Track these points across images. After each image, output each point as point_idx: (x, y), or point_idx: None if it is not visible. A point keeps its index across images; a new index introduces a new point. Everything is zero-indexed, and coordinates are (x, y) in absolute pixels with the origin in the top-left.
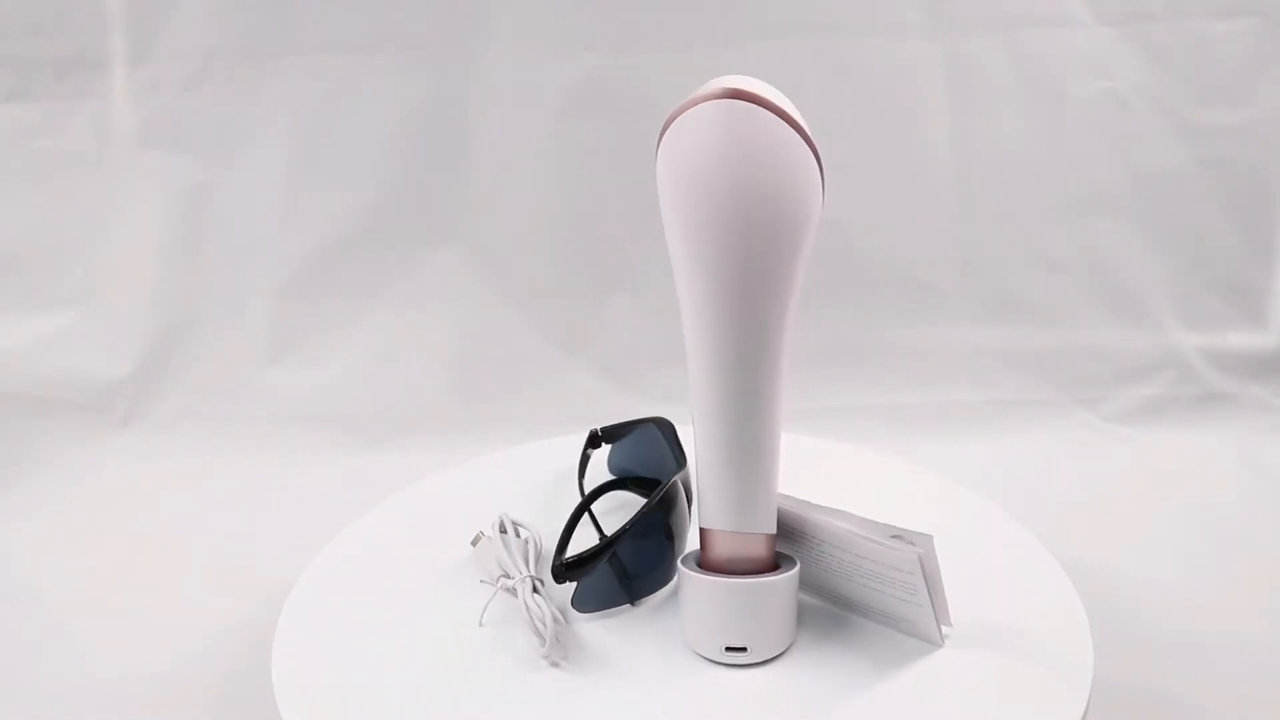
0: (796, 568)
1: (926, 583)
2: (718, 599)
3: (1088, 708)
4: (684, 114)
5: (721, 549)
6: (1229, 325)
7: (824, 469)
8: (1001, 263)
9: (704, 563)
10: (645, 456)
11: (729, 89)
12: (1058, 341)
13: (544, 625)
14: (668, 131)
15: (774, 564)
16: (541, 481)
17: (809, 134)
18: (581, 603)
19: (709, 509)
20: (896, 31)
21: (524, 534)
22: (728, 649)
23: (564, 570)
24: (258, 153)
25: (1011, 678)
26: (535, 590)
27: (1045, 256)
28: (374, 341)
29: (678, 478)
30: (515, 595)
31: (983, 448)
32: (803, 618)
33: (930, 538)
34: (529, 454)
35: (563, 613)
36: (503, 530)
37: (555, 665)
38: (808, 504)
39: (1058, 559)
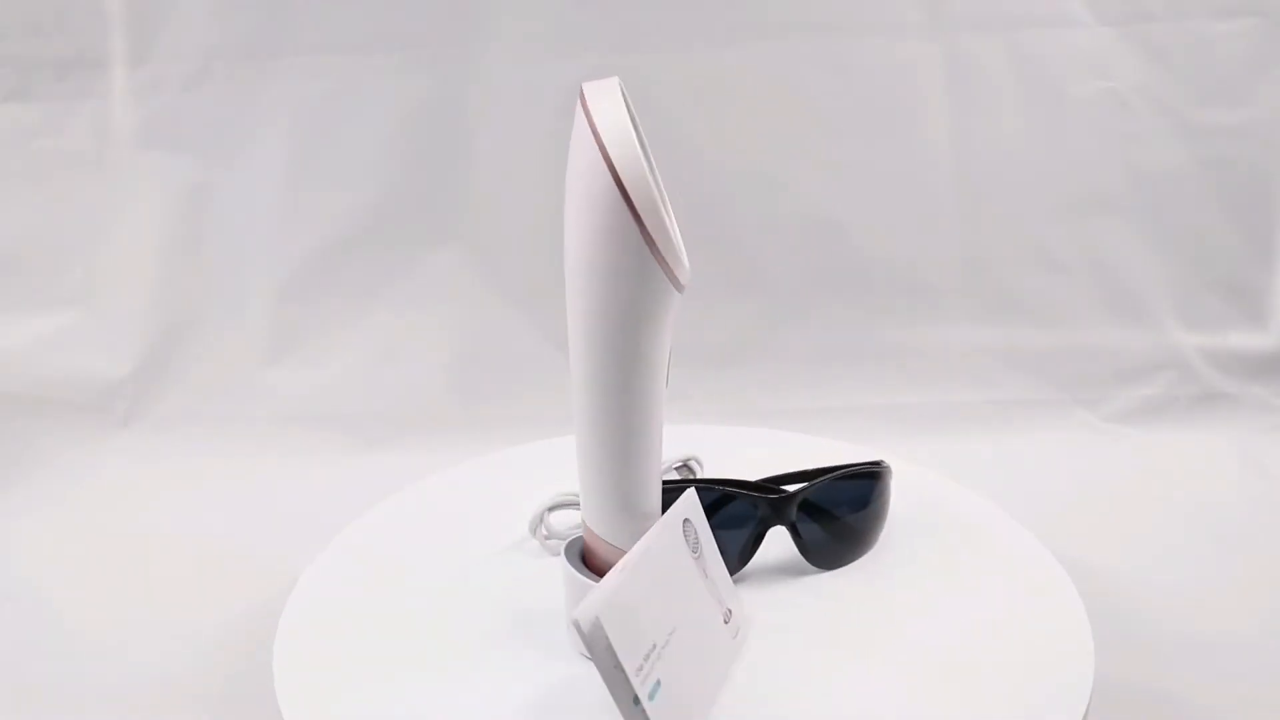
0: None
1: (597, 668)
2: (564, 578)
3: (1088, 708)
4: (583, 100)
5: (592, 547)
6: (1229, 325)
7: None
8: (1001, 263)
9: (583, 553)
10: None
11: (613, 138)
12: (1058, 341)
13: (540, 524)
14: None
15: None
16: (540, 481)
17: (640, 212)
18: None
19: (584, 508)
20: (896, 31)
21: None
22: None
23: None
24: (258, 153)
25: (1012, 678)
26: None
27: (1045, 256)
28: (374, 341)
29: (772, 509)
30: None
31: (983, 448)
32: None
33: (602, 613)
34: (529, 454)
35: None
36: (677, 467)
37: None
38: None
39: (1058, 559)
